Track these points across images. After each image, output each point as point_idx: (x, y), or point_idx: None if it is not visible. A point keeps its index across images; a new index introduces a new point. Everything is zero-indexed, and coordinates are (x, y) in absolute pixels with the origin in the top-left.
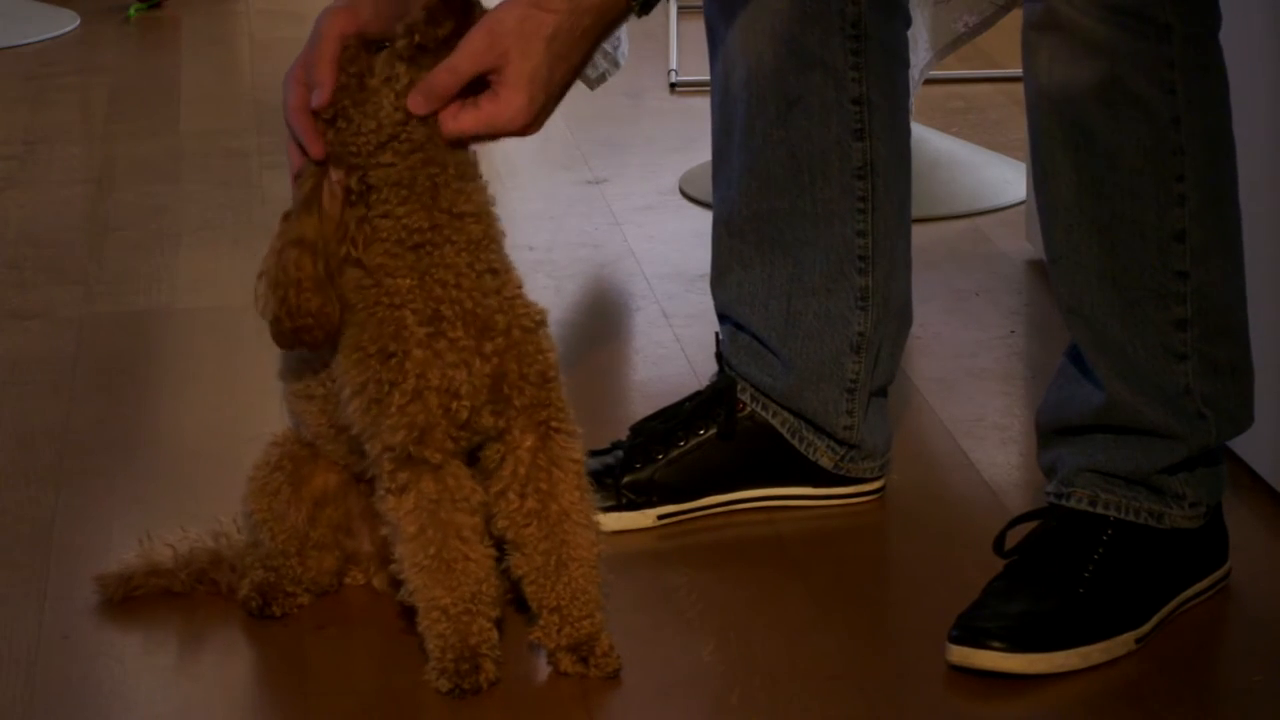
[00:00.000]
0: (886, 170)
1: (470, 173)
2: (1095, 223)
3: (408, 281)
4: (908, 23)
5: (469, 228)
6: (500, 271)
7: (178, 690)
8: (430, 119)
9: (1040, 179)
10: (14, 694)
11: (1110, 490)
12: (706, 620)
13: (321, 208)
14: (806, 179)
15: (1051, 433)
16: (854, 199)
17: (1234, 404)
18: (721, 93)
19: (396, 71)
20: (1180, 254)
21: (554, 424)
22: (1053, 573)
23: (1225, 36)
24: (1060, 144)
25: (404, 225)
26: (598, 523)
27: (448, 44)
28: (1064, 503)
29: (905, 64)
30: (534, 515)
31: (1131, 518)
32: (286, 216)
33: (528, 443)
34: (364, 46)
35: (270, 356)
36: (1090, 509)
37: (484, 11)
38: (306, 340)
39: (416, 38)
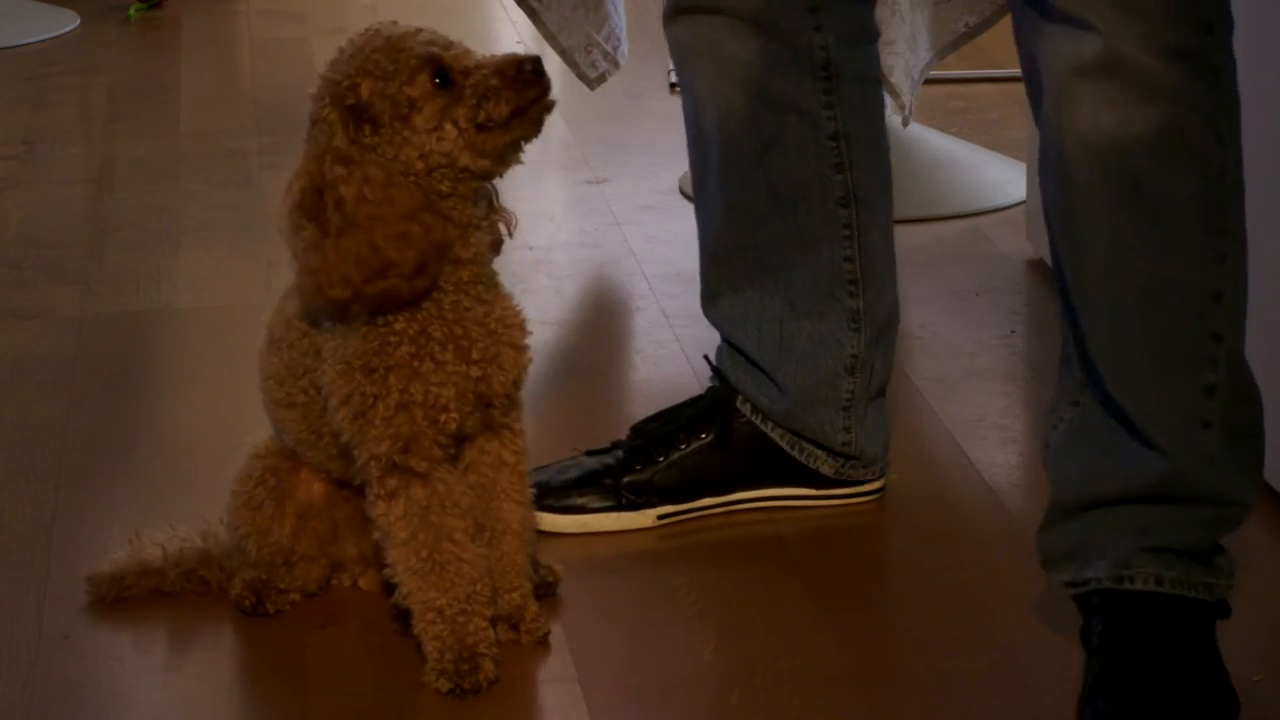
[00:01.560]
0: (869, 196)
1: (473, 222)
2: (1134, 285)
3: None
4: (875, 38)
5: (459, 272)
6: (489, 301)
7: (178, 690)
8: (451, 176)
9: (1071, 240)
10: (14, 694)
11: (1171, 567)
12: (706, 620)
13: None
14: (789, 210)
15: (1080, 508)
16: (839, 226)
17: (1246, 473)
18: (694, 129)
19: (445, 131)
20: (1217, 315)
21: (503, 420)
22: (1161, 682)
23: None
24: (1101, 200)
25: None
26: (532, 502)
27: (507, 124)
28: (1127, 585)
29: (877, 83)
30: (473, 488)
31: (1193, 594)
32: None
33: (478, 439)
34: (432, 68)
35: None
36: (1158, 589)
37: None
38: (413, 298)
39: (482, 115)
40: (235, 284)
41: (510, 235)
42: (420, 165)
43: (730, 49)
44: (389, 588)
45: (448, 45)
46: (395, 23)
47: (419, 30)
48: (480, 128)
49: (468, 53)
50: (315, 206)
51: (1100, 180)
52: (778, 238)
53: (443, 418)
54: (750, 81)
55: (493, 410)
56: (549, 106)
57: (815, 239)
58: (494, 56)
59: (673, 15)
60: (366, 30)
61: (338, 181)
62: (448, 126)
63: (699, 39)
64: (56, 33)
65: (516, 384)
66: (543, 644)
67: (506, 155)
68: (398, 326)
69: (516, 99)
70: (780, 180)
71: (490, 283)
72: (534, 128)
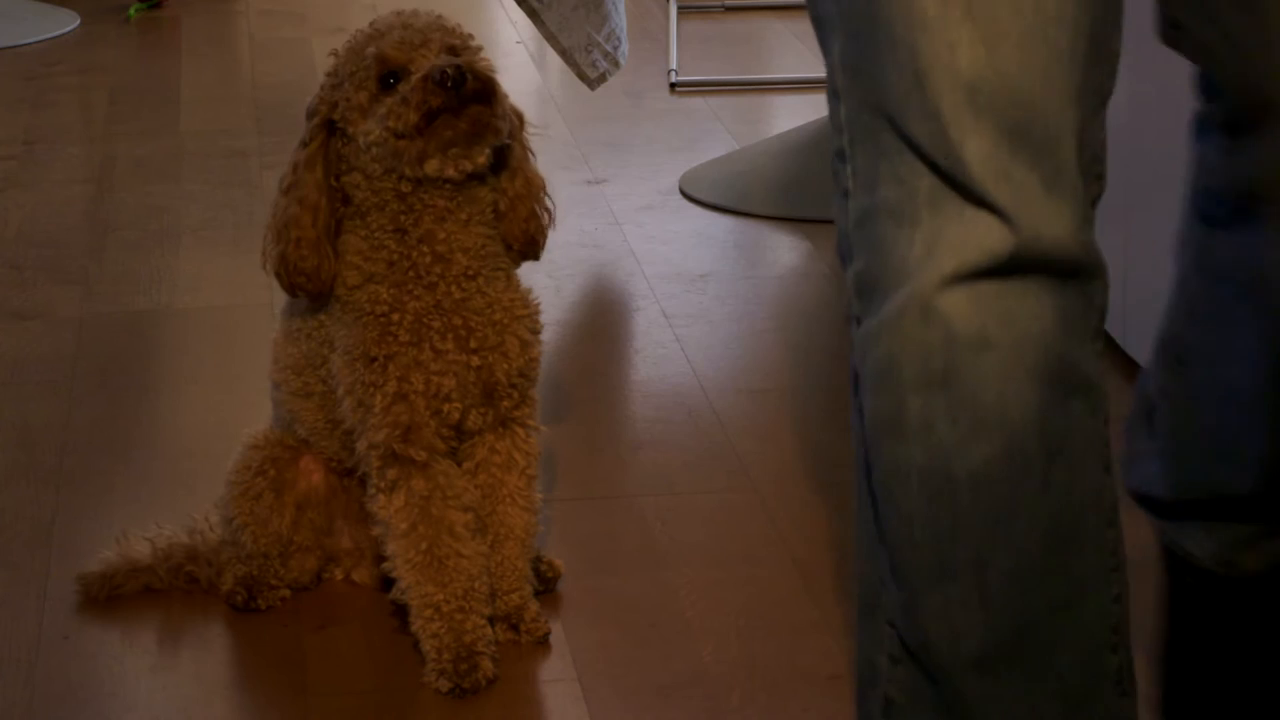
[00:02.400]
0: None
1: (455, 216)
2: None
3: (384, 290)
4: None
5: (452, 266)
6: (490, 293)
7: (177, 691)
8: (406, 175)
9: (1209, 358)
10: (14, 694)
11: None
12: (706, 620)
13: (327, 164)
14: (1063, 553)
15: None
16: (1109, 554)
17: None
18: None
19: (376, 137)
20: None
21: (515, 414)
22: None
23: None
24: (1255, 329)
25: (375, 240)
26: (537, 506)
27: (420, 130)
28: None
29: None
30: (480, 488)
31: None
32: (295, 167)
33: (488, 436)
34: (379, 71)
35: (267, 356)
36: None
37: (487, 97)
38: (300, 294)
39: (390, 123)
40: (235, 284)
41: (540, 234)
42: (376, 168)
43: (1026, 321)
44: (387, 583)
45: (422, 43)
46: (415, 13)
47: (406, 25)
48: (398, 135)
49: (424, 55)
50: None
51: (1256, 313)
52: (1047, 604)
53: (445, 408)
54: (1050, 362)
55: (501, 402)
56: (467, 119)
57: (1087, 585)
58: (439, 61)
59: (930, 297)
60: (373, 21)
61: (281, 183)
62: (378, 132)
63: (981, 319)
64: (56, 33)
65: (524, 374)
66: (543, 644)
67: (436, 162)
68: (394, 316)
69: (427, 108)
70: (1061, 508)
71: (494, 275)
72: (459, 136)
